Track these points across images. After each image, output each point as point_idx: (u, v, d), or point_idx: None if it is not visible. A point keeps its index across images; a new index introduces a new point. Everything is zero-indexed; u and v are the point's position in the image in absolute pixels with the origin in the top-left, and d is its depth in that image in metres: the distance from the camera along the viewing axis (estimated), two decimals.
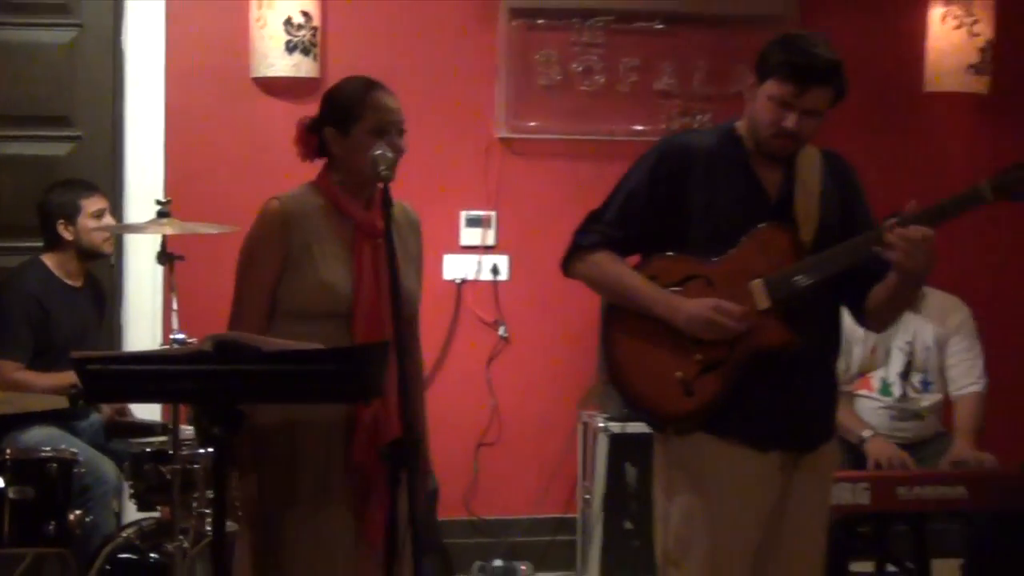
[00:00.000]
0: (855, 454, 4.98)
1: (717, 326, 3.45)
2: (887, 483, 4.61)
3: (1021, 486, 4.64)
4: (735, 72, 6.07)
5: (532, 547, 6.10)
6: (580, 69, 6.14)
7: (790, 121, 3.44)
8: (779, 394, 3.51)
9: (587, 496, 5.83)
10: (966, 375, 5.24)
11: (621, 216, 3.60)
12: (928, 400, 5.23)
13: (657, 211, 3.56)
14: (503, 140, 6.12)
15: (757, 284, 3.48)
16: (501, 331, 6.12)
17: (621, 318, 3.62)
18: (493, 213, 6.12)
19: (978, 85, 6.29)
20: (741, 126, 3.60)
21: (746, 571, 3.54)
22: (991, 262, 6.50)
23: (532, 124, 6.13)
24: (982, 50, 6.26)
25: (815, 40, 3.48)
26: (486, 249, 6.09)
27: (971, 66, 6.27)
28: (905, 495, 4.58)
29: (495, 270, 6.10)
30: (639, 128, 6.09)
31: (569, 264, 3.70)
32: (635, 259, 3.66)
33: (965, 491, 4.60)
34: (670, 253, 3.57)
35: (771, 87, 3.45)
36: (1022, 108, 6.48)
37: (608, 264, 3.61)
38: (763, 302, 3.48)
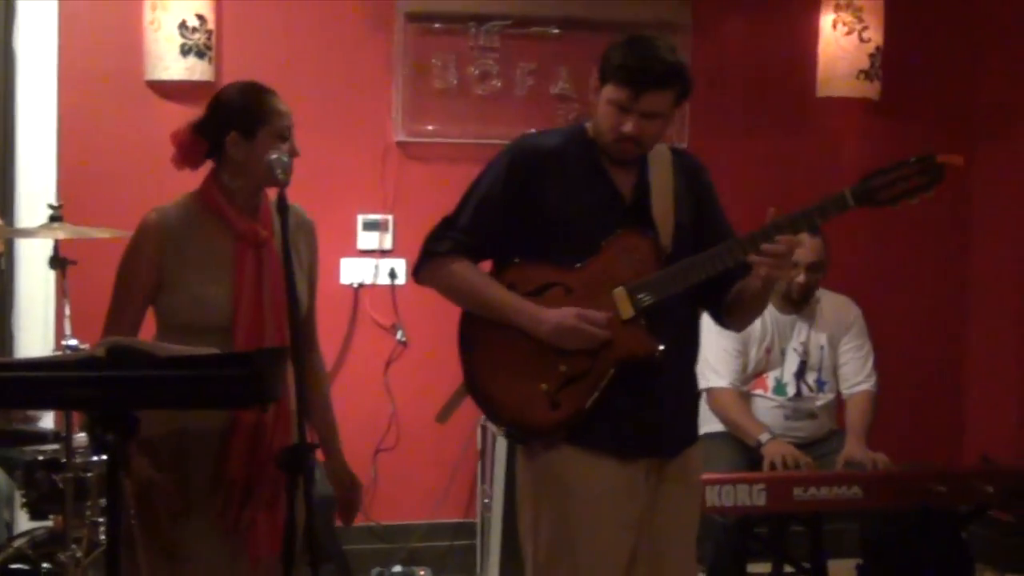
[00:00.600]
0: (751, 455, 4.98)
1: (582, 335, 3.42)
2: (783, 484, 4.62)
3: (913, 486, 4.65)
4: None
5: (432, 552, 6.11)
6: (476, 73, 6.13)
7: (629, 126, 3.41)
8: (641, 402, 3.49)
9: (486, 500, 5.82)
10: (856, 374, 5.31)
11: (475, 222, 3.55)
12: (822, 399, 5.29)
13: (512, 215, 3.51)
14: (400, 144, 6.09)
15: (620, 292, 3.45)
16: (399, 335, 6.10)
17: (479, 328, 3.55)
18: (390, 216, 6.08)
19: (868, 91, 6.36)
20: (591, 127, 3.57)
21: None
22: (881, 263, 6.59)
23: (429, 128, 6.11)
24: (872, 56, 6.32)
25: (655, 43, 3.45)
26: (383, 253, 6.05)
27: (862, 72, 6.33)
28: (801, 496, 4.59)
29: (392, 274, 6.07)
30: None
31: (421, 272, 3.64)
32: (486, 265, 3.64)
33: (860, 491, 4.62)
34: (517, 260, 3.52)
35: (609, 91, 3.43)
36: (911, 112, 6.58)
37: (464, 272, 3.56)
38: (627, 311, 3.45)
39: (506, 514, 5.62)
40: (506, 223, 3.52)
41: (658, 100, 3.42)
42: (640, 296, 3.44)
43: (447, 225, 3.60)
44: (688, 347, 3.65)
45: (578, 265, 3.48)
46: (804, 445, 5.12)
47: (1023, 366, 6.51)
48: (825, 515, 5.11)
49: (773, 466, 4.84)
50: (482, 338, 3.55)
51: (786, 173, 6.35)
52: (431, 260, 3.60)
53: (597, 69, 3.51)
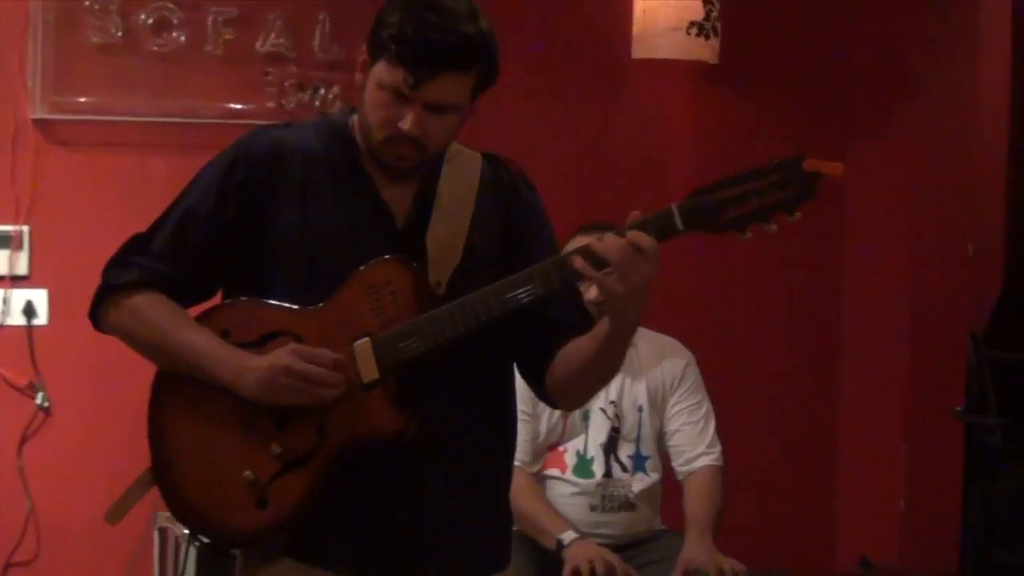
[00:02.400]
0: (547, 561, 5.11)
1: (300, 378, 3.35)
2: None
3: None
4: None
5: None
6: (150, 22, 6.16)
7: (408, 121, 3.36)
8: (393, 505, 3.47)
9: None
10: (694, 443, 5.47)
11: (175, 244, 3.50)
12: (642, 482, 5.43)
13: (228, 237, 3.49)
14: (39, 123, 6.10)
15: (363, 346, 3.41)
16: (39, 399, 6.09)
17: (177, 391, 3.51)
18: (25, 228, 6.10)
19: (703, 51, 6.54)
20: (356, 121, 3.55)
21: None
22: (722, 296, 6.72)
23: (82, 100, 6.13)
24: (707, 4, 6.53)
25: (447, 3, 3.38)
26: (15, 280, 6.04)
27: (693, 24, 6.51)
28: None
29: (30, 310, 6.04)
30: (237, 107, 6.15)
31: (98, 313, 3.56)
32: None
33: None
34: (244, 299, 3.50)
35: (382, 70, 3.37)
36: (761, 81, 6.98)
37: (152, 311, 3.49)
38: (369, 372, 3.41)
39: None
40: (219, 247, 3.49)
41: (451, 87, 3.37)
42: (390, 350, 3.40)
43: (136, 247, 3.53)
44: (483, 428, 3.60)
45: (309, 308, 3.44)
46: (618, 548, 5.25)
47: (910, 439, 6.74)
48: None
49: (577, 574, 4.89)
50: (178, 404, 3.51)
51: (592, 160, 6.53)
52: (111, 296, 3.52)
53: (366, 38, 3.43)
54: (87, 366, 5.97)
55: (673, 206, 3.28)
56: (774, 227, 3.29)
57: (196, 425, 3.48)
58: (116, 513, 3.63)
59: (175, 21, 6.15)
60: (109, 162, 6.09)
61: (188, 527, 3.64)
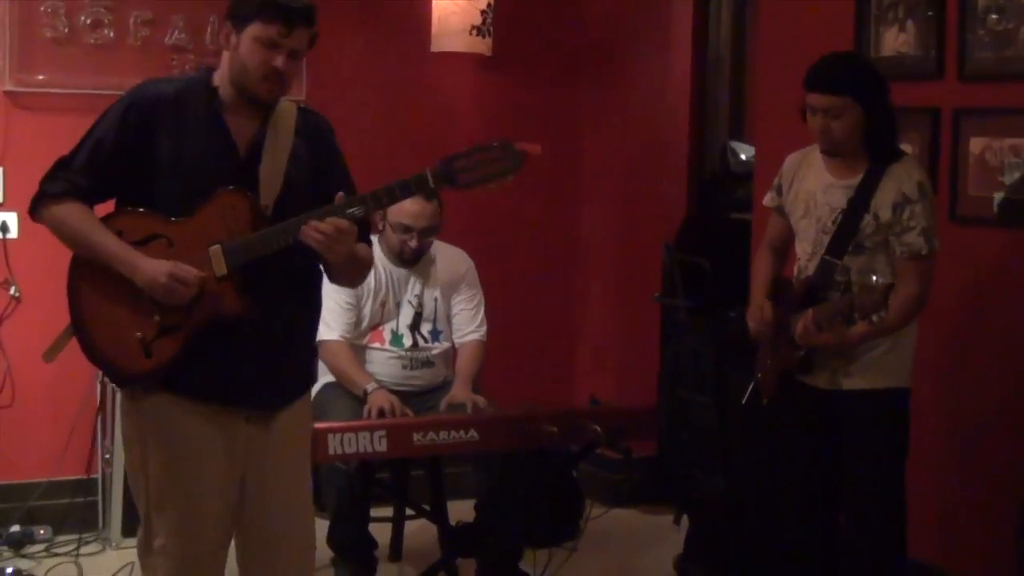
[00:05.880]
0: (358, 403, 5.41)
1: (172, 291, 3.66)
2: (403, 430, 5.04)
3: (527, 427, 5.10)
4: None
5: (51, 510, 6.33)
6: (88, 22, 6.39)
7: (279, 60, 3.65)
8: (236, 355, 3.77)
9: (107, 456, 6.05)
10: (468, 324, 5.91)
11: (88, 164, 3.77)
12: (438, 348, 5.87)
13: (125, 161, 3.74)
14: (9, 94, 6.36)
15: (215, 250, 3.69)
16: (12, 291, 6.33)
17: (88, 270, 3.79)
18: (0, 168, 6.24)
19: (481, 46, 6.98)
20: (217, 77, 3.82)
21: (223, 523, 3.85)
22: (496, 212, 7.00)
23: (40, 78, 6.41)
24: (484, 12, 7.01)
25: None
26: None
27: (474, 27, 6.95)
28: (421, 440, 5.00)
29: (3, 227, 6.30)
30: None
31: (35, 212, 3.88)
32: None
33: (477, 434, 5.04)
34: (131, 208, 3.75)
35: (257, 29, 3.64)
36: (523, 66, 7.36)
37: (72, 215, 3.76)
38: (220, 269, 3.69)
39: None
40: (118, 169, 3.76)
41: (303, 37, 3.70)
42: (234, 254, 3.67)
43: (62, 166, 3.84)
44: (297, 304, 3.91)
45: (179, 219, 3.71)
46: (423, 393, 5.71)
47: (625, 315, 7.15)
48: (444, 459, 5.60)
49: (381, 413, 5.25)
50: (88, 280, 3.79)
51: (401, 127, 6.86)
52: (43, 200, 3.85)
53: (227, 19, 3.73)
54: (46, 267, 5.98)
55: (427, 170, 3.61)
56: (494, 186, 3.63)
57: (102, 296, 3.73)
58: (50, 354, 3.95)
59: (106, 21, 6.37)
60: (59, 121, 6.10)
61: (97, 367, 3.90)
